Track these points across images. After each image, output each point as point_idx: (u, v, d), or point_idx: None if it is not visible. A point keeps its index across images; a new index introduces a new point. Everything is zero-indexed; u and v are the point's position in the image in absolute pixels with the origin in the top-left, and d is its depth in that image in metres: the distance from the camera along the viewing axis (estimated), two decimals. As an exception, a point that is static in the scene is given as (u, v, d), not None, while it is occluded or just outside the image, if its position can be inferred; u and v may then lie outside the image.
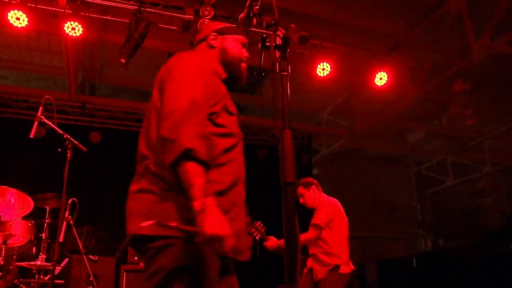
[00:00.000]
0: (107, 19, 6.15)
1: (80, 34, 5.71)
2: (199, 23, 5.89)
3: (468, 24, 6.71)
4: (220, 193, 1.95)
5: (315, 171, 11.01)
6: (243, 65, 2.34)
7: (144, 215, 1.89)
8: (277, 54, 1.63)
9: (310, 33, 6.52)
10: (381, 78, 6.82)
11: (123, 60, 5.85)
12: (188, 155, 1.77)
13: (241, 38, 2.37)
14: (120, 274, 4.43)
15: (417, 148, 11.81)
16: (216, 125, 2.05)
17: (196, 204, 1.73)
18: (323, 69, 6.49)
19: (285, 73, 1.64)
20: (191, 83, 1.96)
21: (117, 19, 6.10)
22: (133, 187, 2.05)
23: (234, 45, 2.32)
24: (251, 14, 1.66)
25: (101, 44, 7.49)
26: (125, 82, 8.65)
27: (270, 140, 9.39)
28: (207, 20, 5.84)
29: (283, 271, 1.55)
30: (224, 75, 2.28)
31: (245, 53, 2.36)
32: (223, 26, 2.39)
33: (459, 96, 7.47)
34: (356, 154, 12.45)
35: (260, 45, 1.63)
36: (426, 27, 7.02)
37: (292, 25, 1.62)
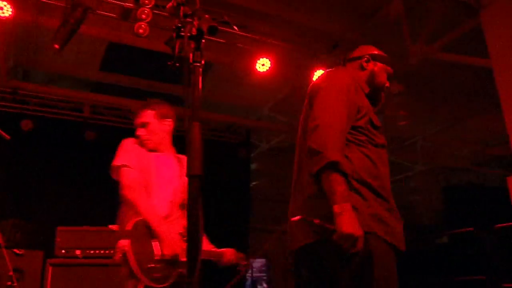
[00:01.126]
0: (43, 1, 5.88)
1: (9, 14, 5.43)
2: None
3: (406, 28, 6.93)
4: (384, 199, 2.33)
5: (253, 166, 11.08)
6: (383, 94, 2.63)
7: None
8: (192, 44, 1.61)
9: (250, 27, 6.55)
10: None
11: (57, 46, 5.62)
12: (332, 166, 2.05)
13: (389, 69, 2.63)
14: (46, 269, 4.25)
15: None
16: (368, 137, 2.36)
17: (336, 208, 2.01)
18: (263, 65, 6.51)
19: (198, 64, 1.63)
20: (337, 100, 2.24)
21: (53, 2, 5.85)
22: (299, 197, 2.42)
23: (382, 73, 2.57)
24: (175, 4, 1.64)
25: (37, 28, 7.16)
26: (62, 69, 8.32)
27: (208, 133, 9.33)
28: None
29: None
30: (367, 90, 2.54)
31: (387, 83, 2.62)
32: (377, 53, 2.65)
33: (395, 97, 7.71)
34: (295, 150, 12.58)
35: (175, 34, 1.62)
36: (366, 28, 7.17)
37: (206, 16, 1.62)
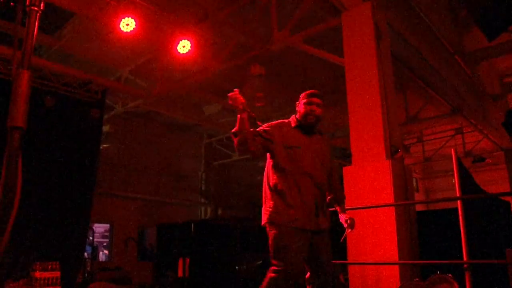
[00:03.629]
0: None
1: None
2: None
3: (274, 14, 7.13)
4: None
5: (106, 128, 10.64)
6: (309, 117, 3.40)
7: None
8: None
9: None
10: (184, 46, 6.81)
11: None
12: None
13: (304, 97, 3.45)
14: None
15: (211, 120, 12.24)
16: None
17: None
18: (127, 25, 6.22)
19: (35, 8, 1.48)
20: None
21: None
22: None
23: (302, 106, 3.42)
24: None
25: None
26: None
27: (61, 88, 8.70)
28: None
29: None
30: (294, 124, 3.46)
31: (308, 109, 3.40)
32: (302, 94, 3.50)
33: (254, 79, 7.93)
34: (151, 117, 12.41)
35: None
36: (237, 7, 7.21)
37: None
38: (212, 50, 7.79)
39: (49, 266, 7.38)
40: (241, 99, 3.19)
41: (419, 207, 8.67)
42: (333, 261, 5.14)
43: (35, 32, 1.52)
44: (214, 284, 8.55)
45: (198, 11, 7.24)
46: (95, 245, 11.35)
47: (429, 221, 6.11)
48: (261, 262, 8.97)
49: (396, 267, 5.07)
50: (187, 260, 8.26)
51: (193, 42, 6.87)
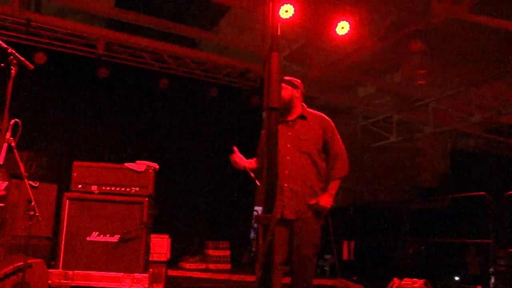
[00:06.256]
0: None
1: None
2: None
3: (433, -16, 6.70)
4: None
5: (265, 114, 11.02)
6: None
7: None
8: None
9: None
10: (342, 27, 6.69)
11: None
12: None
13: None
14: (63, 202, 4.26)
15: (366, 102, 11.97)
16: None
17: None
18: (286, 11, 6.29)
19: None
20: None
21: None
22: None
23: None
24: None
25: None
26: (74, 2, 8.09)
27: (222, 78, 9.22)
28: None
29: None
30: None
31: None
32: None
33: (414, 56, 7.53)
34: (306, 101, 12.47)
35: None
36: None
37: None
38: (367, 29, 7.57)
39: (220, 245, 8.05)
40: (240, 164, 3.57)
41: None
42: None
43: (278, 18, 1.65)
44: (381, 268, 8.42)
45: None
46: (257, 227, 11.84)
47: None
48: (423, 247, 8.63)
49: None
50: (352, 243, 8.25)
51: (352, 22, 6.71)
